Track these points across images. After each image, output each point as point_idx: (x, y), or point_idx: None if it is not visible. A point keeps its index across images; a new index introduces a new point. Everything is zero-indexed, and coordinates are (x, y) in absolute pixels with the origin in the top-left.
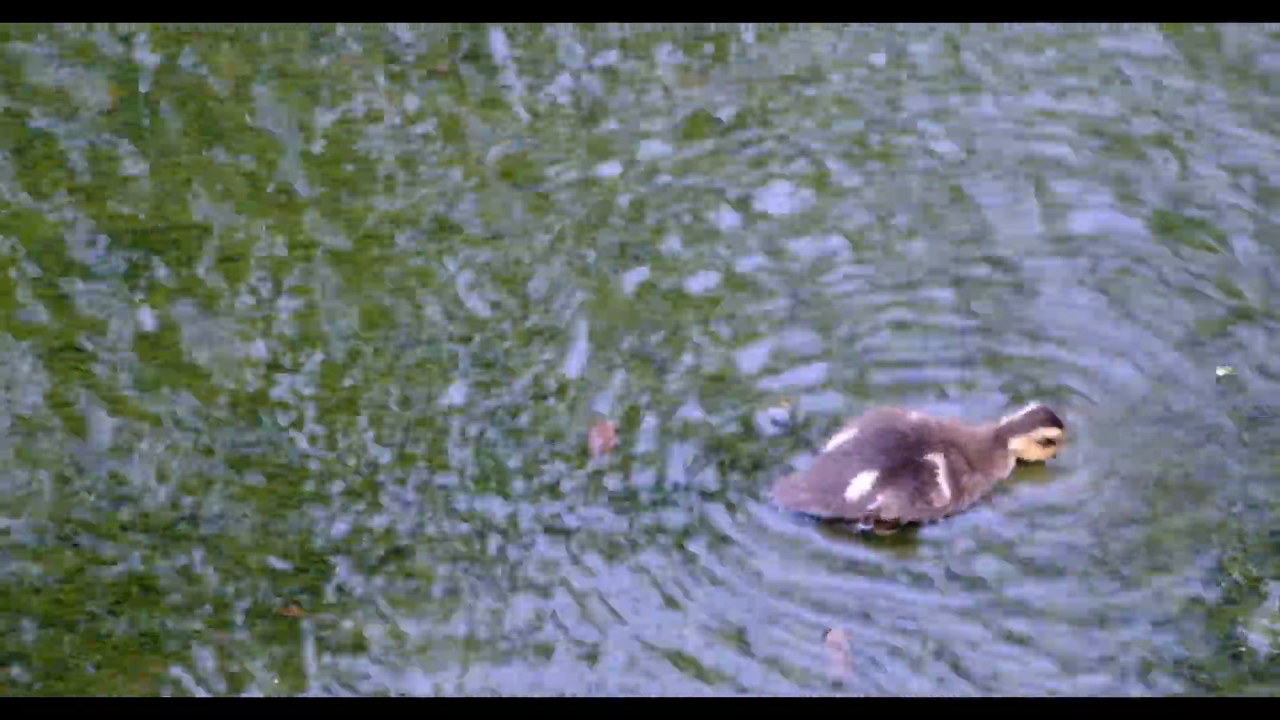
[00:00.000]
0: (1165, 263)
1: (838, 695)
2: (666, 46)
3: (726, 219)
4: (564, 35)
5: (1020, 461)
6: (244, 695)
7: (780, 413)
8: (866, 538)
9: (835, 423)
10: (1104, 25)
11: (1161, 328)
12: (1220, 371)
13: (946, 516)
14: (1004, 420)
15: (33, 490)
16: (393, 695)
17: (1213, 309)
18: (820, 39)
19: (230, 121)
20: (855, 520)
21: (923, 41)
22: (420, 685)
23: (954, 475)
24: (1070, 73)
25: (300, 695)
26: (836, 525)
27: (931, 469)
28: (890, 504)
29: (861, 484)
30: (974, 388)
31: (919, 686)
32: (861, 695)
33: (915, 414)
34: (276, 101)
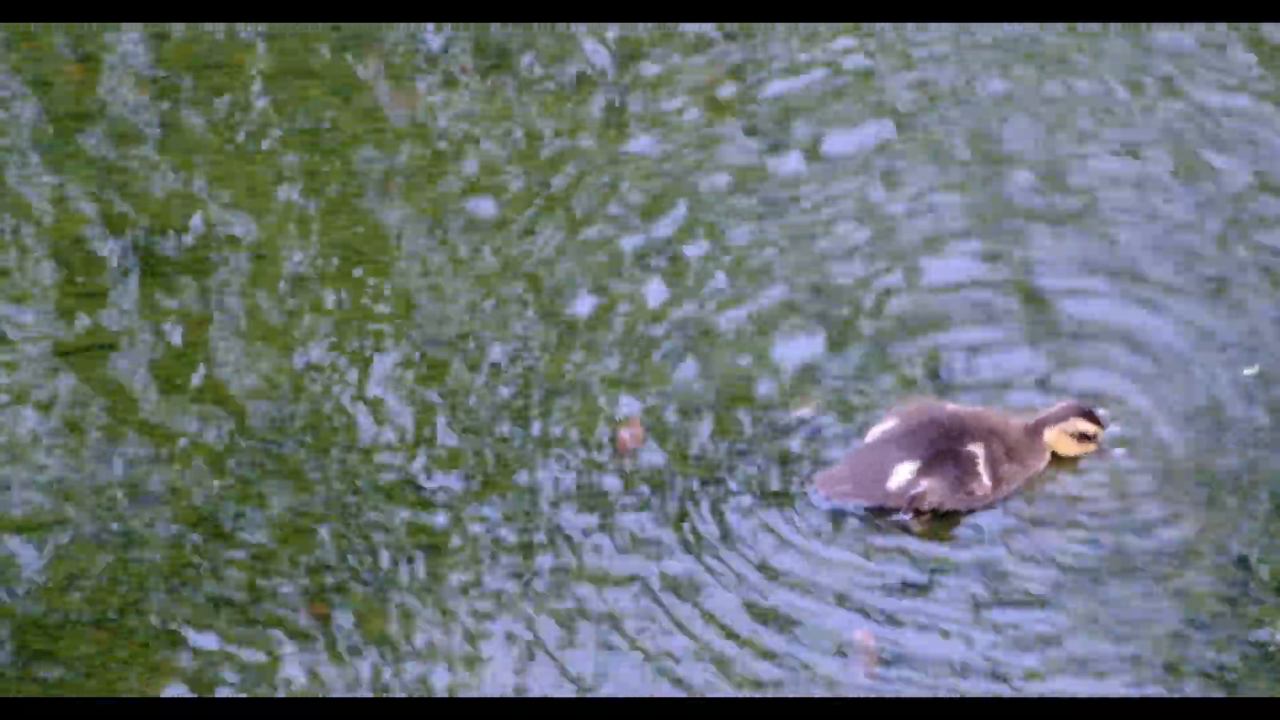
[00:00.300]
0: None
1: (854, 696)
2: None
3: (747, 218)
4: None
5: (1055, 457)
6: (271, 696)
7: (808, 412)
8: (905, 529)
9: (864, 419)
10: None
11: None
12: (1248, 371)
13: (986, 507)
14: (1040, 413)
15: (63, 487)
16: (421, 695)
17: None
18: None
19: (258, 119)
20: (896, 509)
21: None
22: (449, 683)
23: (993, 464)
24: None
25: (327, 696)
26: (876, 517)
27: (972, 459)
28: (932, 492)
29: (903, 473)
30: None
31: (941, 686)
32: (876, 695)
33: (952, 405)
34: (303, 100)
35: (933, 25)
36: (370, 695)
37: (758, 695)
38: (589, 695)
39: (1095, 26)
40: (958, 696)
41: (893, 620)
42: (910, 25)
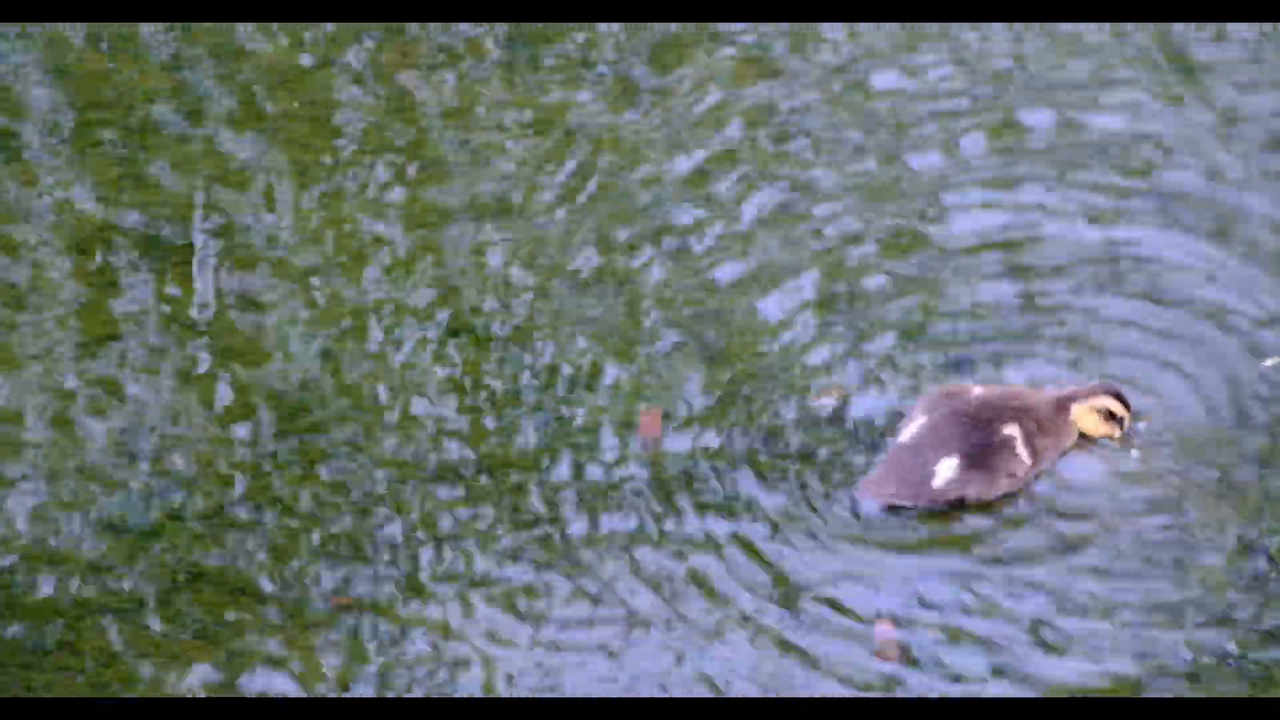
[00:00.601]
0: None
1: (873, 695)
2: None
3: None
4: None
5: (1083, 437)
6: (279, 696)
7: (830, 401)
8: (937, 515)
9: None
10: None
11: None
12: (1269, 362)
13: (1025, 485)
14: (1068, 389)
15: (81, 478)
16: (445, 693)
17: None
18: None
19: (278, 110)
20: (945, 506)
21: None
22: (475, 680)
23: (1029, 440)
24: None
25: (347, 695)
26: (925, 517)
27: (1010, 442)
28: (978, 486)
29: (946, 470)
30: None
31: (965, 685)
32: (902, 695)
33: (978, 387)
34: (323, 91)
35: None
36: (390, 695)
37: (762, 696)
38: (610, 695)
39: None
40: (967, 697)
41: (917, 610)
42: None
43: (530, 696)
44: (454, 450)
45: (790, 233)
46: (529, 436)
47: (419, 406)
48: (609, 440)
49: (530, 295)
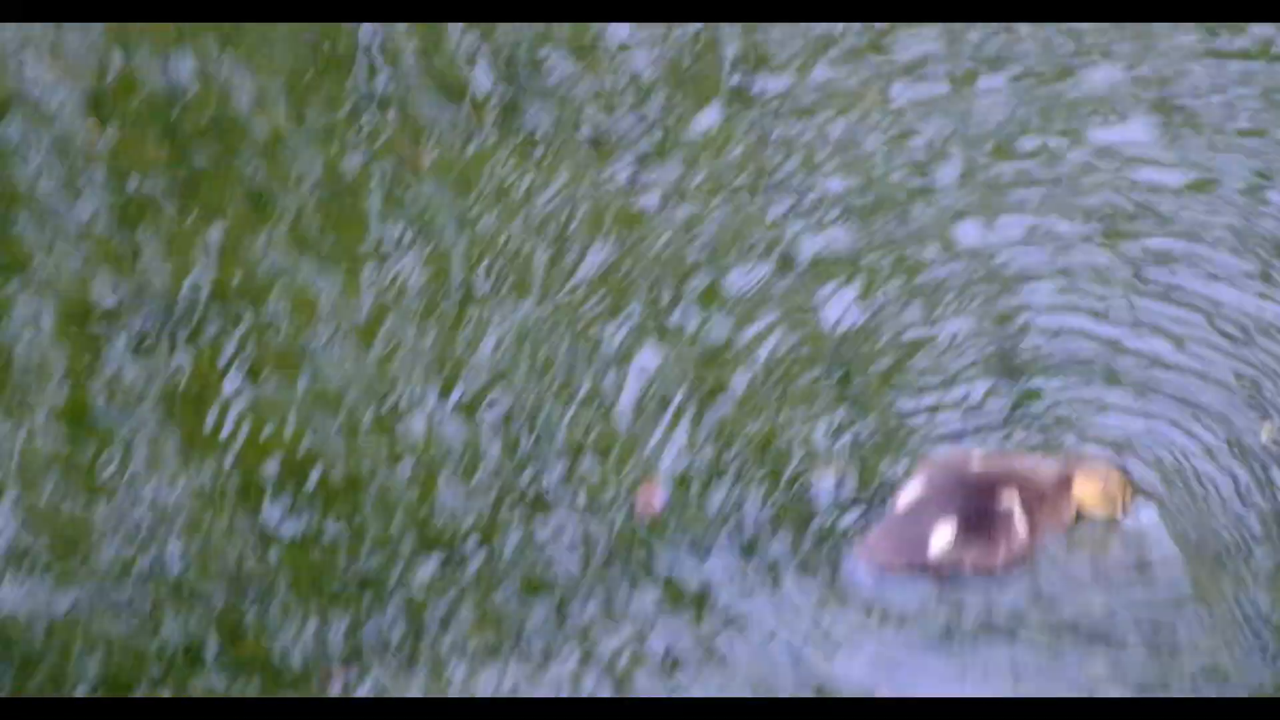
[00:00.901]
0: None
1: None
2: None
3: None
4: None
5: (1081, 514)
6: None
7: (830, 478)
8: (941, 587)
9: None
10: None
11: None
12: (1264, 435)
13: (1021, 559)
14: (1067, 463)
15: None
16: None
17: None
18: None
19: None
20: (940, 575)
21: None
22: None
23: (1028, 513)
24: None
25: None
26: (920, 585)
27: (1007, 515)
28: (973, 555)
29: (942, 538)
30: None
31: None
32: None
33: (979, 454)
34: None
35: None
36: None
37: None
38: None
39: None
40: (964, 697)
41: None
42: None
43: (529, 697)
44: (438, 522)
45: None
46: (522, 497)
47: (422, 457)
48: (609, 504)
49: (533, 361)
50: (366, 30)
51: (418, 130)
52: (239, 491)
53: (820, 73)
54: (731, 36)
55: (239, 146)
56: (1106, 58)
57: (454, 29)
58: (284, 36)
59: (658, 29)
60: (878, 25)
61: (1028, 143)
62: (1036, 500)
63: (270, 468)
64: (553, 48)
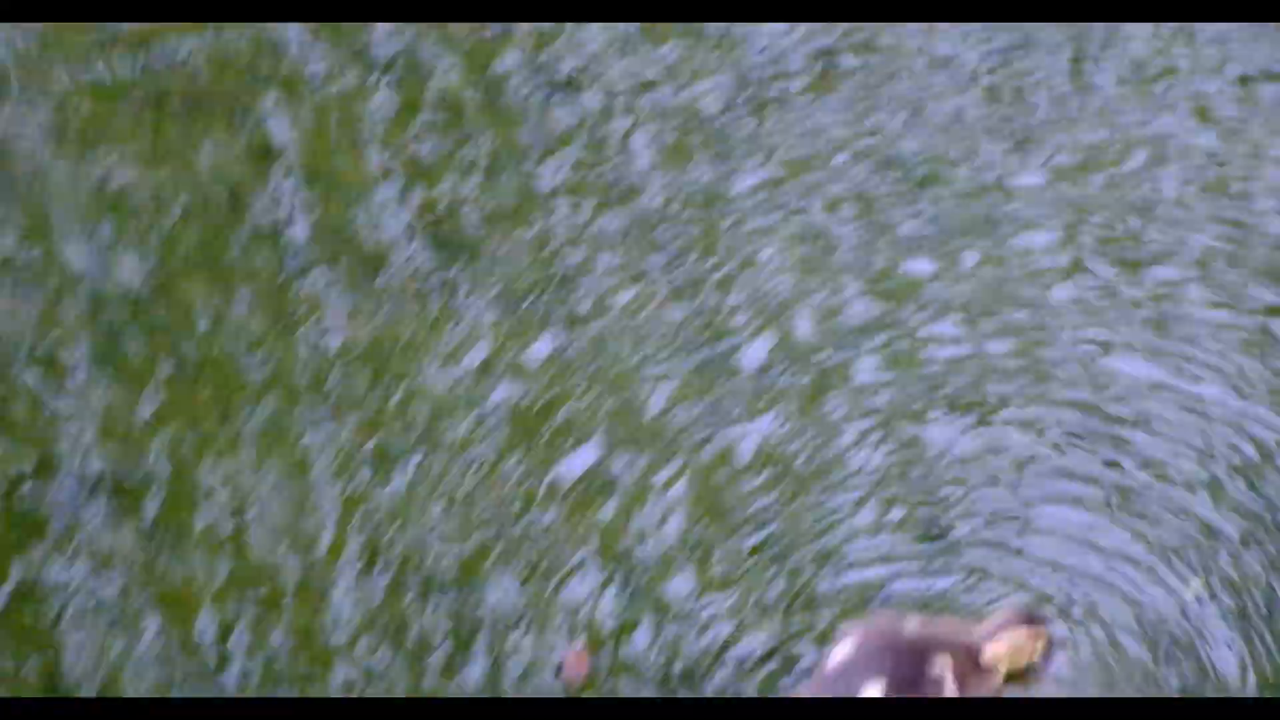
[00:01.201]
0: None
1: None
2: None
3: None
4: None
5: (1012, 673)
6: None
7: (755, 642)
8: None
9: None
10: None
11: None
12: (1189, 594)
13: None
14: (979, 629)
15: None
16: None
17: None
18: None
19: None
20: None
21: None
22: None
23: (959, 680)
24: None
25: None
26: None
27: (938, 680)
28: None
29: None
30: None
31: None
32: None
33: (912, 620)
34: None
35: None
36: None
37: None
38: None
39: None
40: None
41: None
42: None
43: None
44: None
45: None
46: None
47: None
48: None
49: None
50: None
51: None
52: None
53: None
54: None
55: None
56: None
57: None
58: None
59: None
60: None
61: None
62: (970, 666)
63: None
64: None
